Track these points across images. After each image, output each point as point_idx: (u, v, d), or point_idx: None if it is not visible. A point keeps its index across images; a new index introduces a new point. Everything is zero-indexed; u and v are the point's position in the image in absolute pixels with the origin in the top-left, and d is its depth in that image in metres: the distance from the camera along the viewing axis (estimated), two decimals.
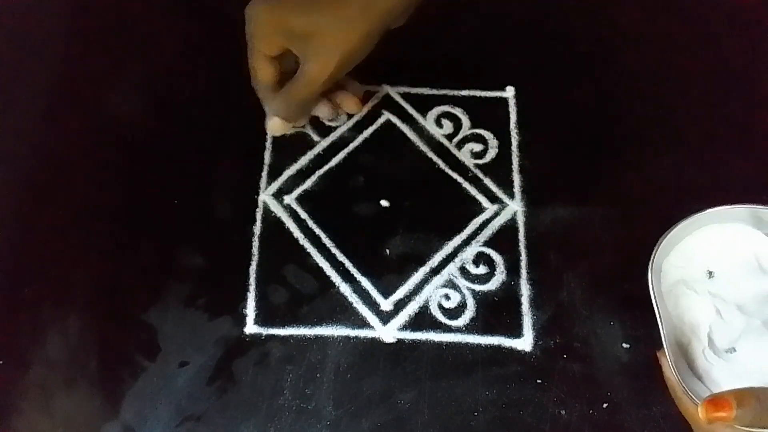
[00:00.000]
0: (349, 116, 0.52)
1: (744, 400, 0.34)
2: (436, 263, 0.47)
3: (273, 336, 0.45)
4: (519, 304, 0.46)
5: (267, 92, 0.47)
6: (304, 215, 0.49)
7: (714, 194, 0.48)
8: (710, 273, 0.39)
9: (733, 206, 0.39)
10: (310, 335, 0.45)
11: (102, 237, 0.48)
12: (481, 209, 0.49)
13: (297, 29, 0.43)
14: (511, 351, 0.44)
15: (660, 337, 0.36)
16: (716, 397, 0.35)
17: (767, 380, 0.36)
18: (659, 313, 0.37)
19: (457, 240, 0.48)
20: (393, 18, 0.44)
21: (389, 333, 0.45)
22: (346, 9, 0.43)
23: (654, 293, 0.37)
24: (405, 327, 0.45)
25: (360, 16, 0.43)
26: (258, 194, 0.49)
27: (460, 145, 0.51)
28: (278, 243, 0.48)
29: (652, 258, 0.38)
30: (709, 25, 0.56)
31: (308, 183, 0.50)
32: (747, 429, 0.34)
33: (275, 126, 0.48)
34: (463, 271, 0.47)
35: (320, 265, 0.47)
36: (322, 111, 0.50)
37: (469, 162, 0.51)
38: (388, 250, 0.47)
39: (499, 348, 0.44)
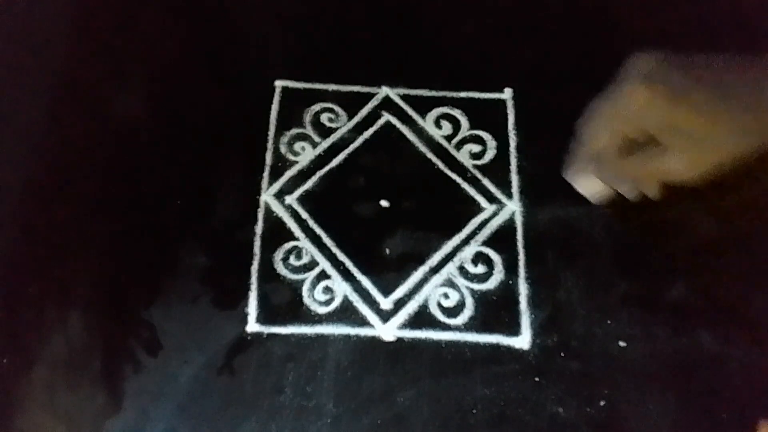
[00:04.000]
0: (349, 118, 0.53)
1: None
2: (435, 262, 0.47)
3: (274, 334, 0.45)
4: (517, 302, 0.46)
5: (584, 158, 0.42)
6: (305, 215, 0.49)
7: (709, 189, 0.49)
8: None
9: None
10: (310, 334, 0.45)
11: (104, 236, 0.48)
12: (479, 209, 0.49)
13: (687, 127, 0.38)
14: (510, 349, 0.45)
15: None
16: None
17: None
18: None
19: (456, 239, 0.48)
20: None
21: (389, 331, 0.45)
22: (754, 120, 0.38)
23: None
24: (404, 325, 0.45)
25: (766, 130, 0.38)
26: (259, 194, 0.50)
27: (459, 146, 0.52)
28: (279, 243, 0.48)
29: None
30: (709, 25, 0.56)
31: (309, 183, 0.50)
32: None
33: (590, 186, 0.43)
34: (462, 270, 0.47)
35: (321, 264, 0.47)
36: (629, 191, 0.43)
37: (468, 163, 0.51)
38: (387, 250, 0.48)
39: (497, 346, 0.45)
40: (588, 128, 0.42)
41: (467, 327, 0.45)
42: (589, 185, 0.43)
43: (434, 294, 0.46)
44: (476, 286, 0.47)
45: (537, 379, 0.44)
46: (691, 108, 0.38)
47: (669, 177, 0.41)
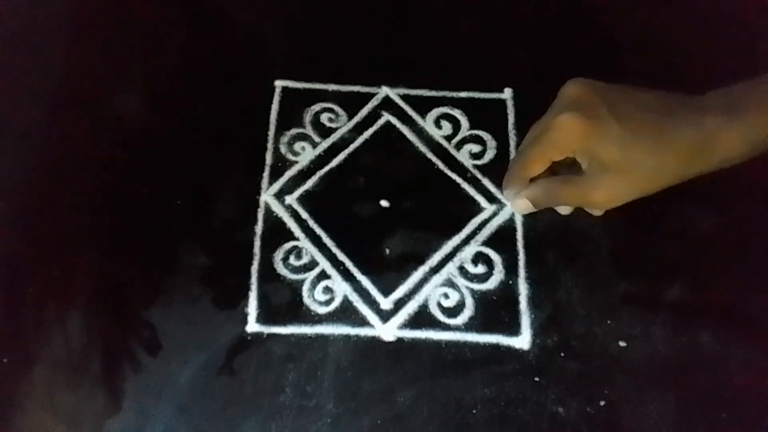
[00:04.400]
0: (349, 118, 0.53)
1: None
2: (435, 262, 0.48)
3: (274, 335, 0.45)
4: (517, 302, 0.46)
5: (523, 182, 0.44)
6: (305, 215, 0.49)
7: (716, 195, 0.49)
8: None
9: None
10: (310, 334, 0.45)
11: (104, 236, 0.48)
12: (479, 209, 0.49)
13: (605, 158, 0.40)
14: (510, 349, 0.45)
15: None
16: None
17: None
18: None
19: (456, 239, 0.48)
20: (725, 162, 0.41)
21: (389, 331, 0.45)
22: (673, 153, 0.39)
23: None
24: (404, 325, 0.45)
25: (687, 162, 0.40)
26: (260, 195, 0.50)
27: (459, 146, 0.52)
28: (279, 243, 0.48)
29: None
30: (709, 25, 0.56)
31: (309, 183, 0.50)
32: None
33: (523, 206, 0.45)
34: (462, 270, 0.47)
35: (321, 264, 0.47)
36: (565, 209, 0.47)
37: (468, 163, 0.51)
38: (387, 250, 0.48)
39: (497, 346, 0.45)
40: (521, 153, 0.44)
41: (467, 327, 0.45)
42: (522, 205, 0.45)
43: (434, 294, 0.46)
44: (476, 286, 0.47)
45: (537, 379, 0.44)
46: (610, 141, 0.40)
47: (590, 204, 0.44)
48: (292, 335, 0.45)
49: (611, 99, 0.41)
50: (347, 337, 0.45)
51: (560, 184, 0.43)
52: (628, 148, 0.40)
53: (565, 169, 0.44)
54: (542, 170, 0.43)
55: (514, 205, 0.46)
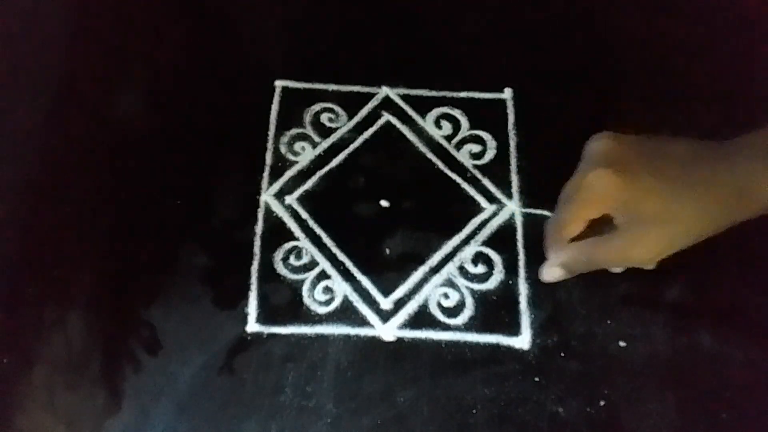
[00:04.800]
0: (349, 118, 0.53)
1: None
2: (435, 262, 0.48)
3: (274, 335, 0.45)
4: (517, 302, 0.46)
5: (562, 243, 0.43)
6: (305, 215, 0.49)
7: None
8: None
9: None
10: (310, 334, 0.45)
11: (104, 236, 0.48)
12: (479, 209, 0.49)
13: (643, 210, 0.39)
14: (510, 349, 0.45)
15: None
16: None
17: None
18: None
19: (456, 239, 0.48)
20: (761, 211, 0.39)
21: (389, 331, 0.45)
22: (713, 201, 0.38)
23: None
24: (404, 325, 0.45)
25: (727, 210, 0.38)
26: (259, 195, 0.50)
27: (459, 146, 0.52)
28: (279, 243, 0.48)
29: None
30: (709, 25, 0.56)
31: (309, 183, 0.50)
32: None
33: (554, 274, 0.43)
34: (462, 270, 0.47)
35: (321, 264, 0.47)
36: (617, 268, 0.45)
37: (468, 163, 0.51)
38: (388, 250, 0.48)
39: (497, 346, 0.45)
40: (556, 215, 0.43)
41: (467, 327, 0.45)
42: (555, 273, 0.43)
43: (434, 294, 0.46)
44: (476, 286, 0.47)
45: (537, 379, 0.44)
46: (647, 192, 0.39)
47: (631, 261, 0.42)
48: (292, 335, 0.45)
49: (641, 151, 0.40)
50: (347, 337, 0.45)
51: (595, 247, 0.41)
52: (666, 199, 0.38)
53: (605, 227, 0.42)
54: (579, 230, 0.42)
55: (545, 274, 0.44)
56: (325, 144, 0.52)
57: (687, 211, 0.38)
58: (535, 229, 0.48)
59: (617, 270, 0.45)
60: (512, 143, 0.52)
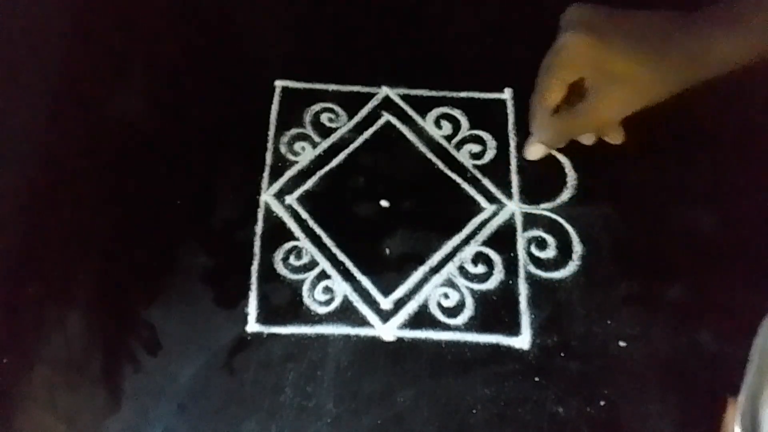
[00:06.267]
0: (349, 117, 0.53)
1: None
2: (435, 262, 0.47)
3: (274, 335, 0.45)
4: (517, 302, 0.46)
5: (545, 115, 0.47)
6: (305, 215, 0.49)
7: (715, 195, 0.49)
8: None
9: None
10: (310, 334, 0.45)
11: (104, 236, 0.48)
12: (479, 209, 0.49)
13: (610, 69, 0.43)
14: (509, 349, 0.45)
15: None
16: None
17: None
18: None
19: (456, 239, 0.48)
20: (723, 69, 0.44)
21: (389, 331, 0.45)
22: (671, 60, 0.43)
23: None
24: (404, 325, 0.45)
25: (686, 68, 0.43)
26: (259, 194, 0.50)
27: (459, 146, 0.52)
28: (279, 243, 0.48)
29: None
30: None
31: (309, 183, 0.50)
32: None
33: (536, 151, 0.48)
34: (462, 270, 0.47)
35: (321, 264, 0.47)
36: (587, 138, 0.49)
37: (468, 163, 0.51)
38: (388, 250, 0.48)
39: (497, 346, 0.45)
40: (538, 86, 0.47)
41: (467, 327, 0.45)
42: (535, 151, 0.49)
43: (434, 294, 0.46)
44: (476, 286, 0.47)
45: (537, 379, 0.44)
46: (614, 52, 0.43)
47: (601, 118, 0.46)
48: (292, 335, 0.45)
49: (610, 19, 0.45)
50: (347, 337, 0.45)
51: (571, 114, 0.46)
52: (629, 60, 0.43)
53: (580, 103, 0.46)
54: (560, 97, 0.46)
55: (528, 152, 0.49)
56: (325, 144, 0.52)
57: (646, 73, 0.43)
58: (535, 229, 0.49)
59: (588, 141, 0.49)
60: (512, 143, 0.52)
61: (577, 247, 0.48)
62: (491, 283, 0.47)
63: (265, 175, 0.51)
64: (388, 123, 0.53)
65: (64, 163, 0.51)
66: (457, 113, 0.53)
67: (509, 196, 0.50)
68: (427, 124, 0.53)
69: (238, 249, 0.48)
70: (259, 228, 0.49)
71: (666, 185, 0.50)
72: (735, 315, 0.46)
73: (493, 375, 0.44)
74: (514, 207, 0.49)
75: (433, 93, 0.54)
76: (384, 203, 0.50)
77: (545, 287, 0.46)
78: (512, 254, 0.48)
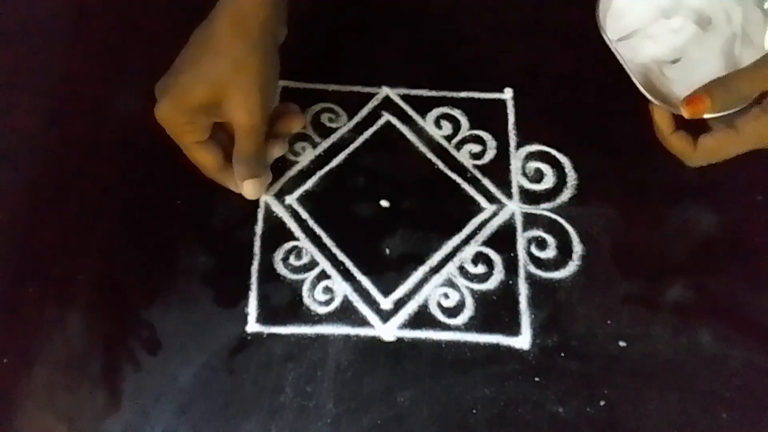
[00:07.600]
0: (349, 118, 0.53)
1: (712, 90, 0.40)
2: (435, 262, 0.47)
3: (274, 335, 0.45)
4: (517, 302, 0.46)
5: (222, 172, 0.47)
6: (305, 215, 0.49)
7: (715, 195, 0.49)
8: None
9: None
10: (310, 334, 0.45)
11: (104, 236, 0.48)
12: (479, 209, 0.49)
13: (202, 100, 0.44)
14: (510, 349, 0.45)
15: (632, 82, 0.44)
16: (689, 96, 0.41)
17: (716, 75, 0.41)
18: (619, 56, 0.45)
19: (456, 239, 0.48)
20: (271, 30, 0.46)
21: (389, 331, 0.45)
22: (220, 54, 0.44)
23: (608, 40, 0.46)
24: (404, 325, 0.45)
25: (237, 48, 0.44)
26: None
27: (459, 146, 0.52)
28: (279, 243, 0.48)
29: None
30: None
31: (309, 183, 0.50)
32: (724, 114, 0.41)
33: (252, 188, 0.47)
34: (462, 270, 0.47)
35: (321, 264, 0.47)
36: (276, 150, 0.49)
37: (468, 163, 0.51)
38: (388, 250, 0.48)
39: (497, 346, 0.45)
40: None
41: (467, 327, 0.45)
42: (253, 189, 0.47)
43: (434, 294, 0.46)
44: (476, 286, 0.47)
45: (537, 379, 0.44)
46: (187, 87, 0.44)
47: (254, 131, 0.46)
48: (292, 335, 0.45)
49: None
50: (347, 337, 0.45)
51: (234, 148, 0.47)
52: (195, 75, 0.44)
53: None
54: (216, 154, 0.46)
55: (248, 193, 0.47)
56: (325, 144, 0.52)
57: (220, 71, 0.44)
58: (535, 229, 0.49)
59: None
60: (512, 143, 0.52)
61: (577, 247, 0.48)
62: (491, 283, 0.47)
63: None
64: (388, 123, 0.53)
65: (66, 163, 0.51)
66: (457, 113, 0.53)
67: (509, 196, 0.50)
68: (427, 124, 0.53)
69: (238, 249, 0.48)
70: (259, 228, 0.49)
71: (666, 185, 0.50)
72: (735, 315, 0.46)
73: (493, 375, 0.44)
74: (514, 207, 0.49)
75: (433, 93, 0.54)
76: (384, 203, 0.50)
77: (545, 287, 0.46)
78: (512, 254, 0.48)
